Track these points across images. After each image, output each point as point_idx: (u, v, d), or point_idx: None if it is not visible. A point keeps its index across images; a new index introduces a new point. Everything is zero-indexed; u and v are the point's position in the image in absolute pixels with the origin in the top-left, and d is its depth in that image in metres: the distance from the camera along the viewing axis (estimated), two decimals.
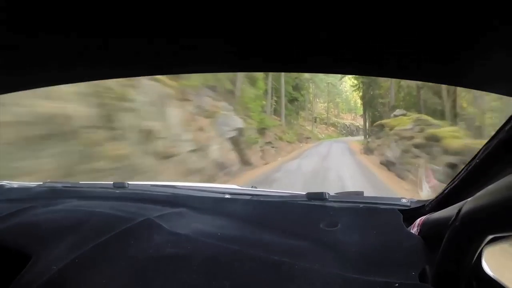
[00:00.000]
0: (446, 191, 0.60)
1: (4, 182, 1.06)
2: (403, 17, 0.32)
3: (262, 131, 10.48)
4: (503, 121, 0.43)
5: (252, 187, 1.06)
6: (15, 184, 1.07)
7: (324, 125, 32.64)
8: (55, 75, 0.59)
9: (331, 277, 0.44)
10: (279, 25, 0.37)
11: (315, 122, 29.79)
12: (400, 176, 6.62)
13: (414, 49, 0.40)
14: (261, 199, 0.83)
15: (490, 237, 0.35)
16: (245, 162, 7.74)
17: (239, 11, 0.34)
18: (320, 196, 0.77)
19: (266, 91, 13.85)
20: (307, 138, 20.08)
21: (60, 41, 0.43)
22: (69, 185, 1.06)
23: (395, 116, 10.30)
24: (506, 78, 0.40)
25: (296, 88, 19.94)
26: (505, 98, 0.44)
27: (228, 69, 0.60)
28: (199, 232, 0.60)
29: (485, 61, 0.39)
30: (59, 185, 1.06)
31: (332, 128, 33.80)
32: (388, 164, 7.99)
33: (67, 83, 0.65)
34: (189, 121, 5.90)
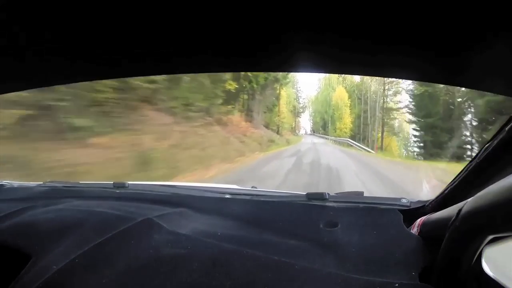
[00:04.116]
0: (446, 191, 0.60)
1: (4, 182, 1.06)
2: (403, 16, 0.32)
3: None
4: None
5: (252, 187, 1.06)
6: (15, 183, 1.07)
7: None
8: (55, 75, 0.59)
9: (331, 277, 0.44)
10: (279, 25, 0.37)
11: None
12: None
13: (414, 49, 0.39)
14: (261, 199, 0.83)
15: (490, 237, 0.35)
16: None
17: (239, 11, 0.34)
18: (320, 196, 0.77)
19: None
20: None
21: (60, 41, 0.43)
22: (69, 185, 1.06)
23: None
24: (506, 78, 0.40)
25: None
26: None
27: (228, 69, 0.60)
28: (199, 232, 0.60)
29: (485, 61, 0.38)
30: (59, 185, 1.06)
31: None
32: None
33: (67, 83, 0.65)
34: None
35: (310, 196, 0.78)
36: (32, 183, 1.08)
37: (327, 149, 12.85)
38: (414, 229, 0.59)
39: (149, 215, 0.65)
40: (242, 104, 13.15)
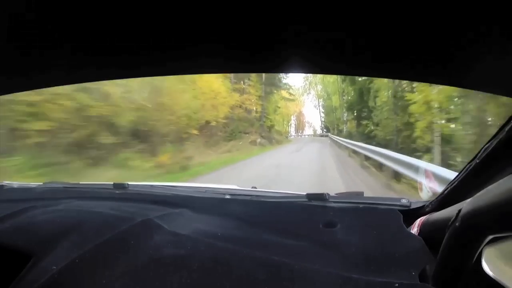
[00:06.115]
0: (446, 191, 0.60)
1: (4, 183, 1.06)
2: (403, 17, 0.32)
3: None
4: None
5: (252, 187, 1.06)
6: (15, 184, 1.07)
7: None
8: (56, 76, 0.59)
9: (331, 277, 0.44)
10: (279, 25, 0.37)
11: None
12: None
13: (414, 50, 0.40)
14: (261, 199, 0.83)
15: (490, 237, 0.35)
16: None
17: (239, 12, 0.34)
18: (320, 196, 0.77)
19: None
20: None
21: (60, 42, 0.43)
22: (69, 186, 1.06)
23: None
24: (506, 78, 0.40)
25: None
26: None
27: (228, 69, 0.60)
28: (199, 232, 0.60)
29: (485, 61, 0.39)
30: (59, 185, 1.06)
31: None
32: None
33: (66, 84, 0.65)
34: None
35: (310, 197, 0.78)
36: (32, 184, 1.08)
37: None
38: (414, 229, 0.59)
39: (149, 215, 0.65)
40: None
